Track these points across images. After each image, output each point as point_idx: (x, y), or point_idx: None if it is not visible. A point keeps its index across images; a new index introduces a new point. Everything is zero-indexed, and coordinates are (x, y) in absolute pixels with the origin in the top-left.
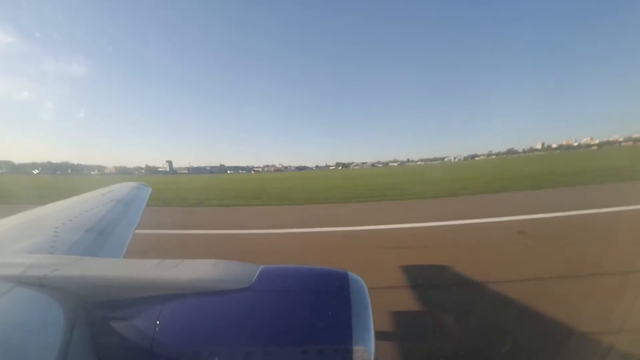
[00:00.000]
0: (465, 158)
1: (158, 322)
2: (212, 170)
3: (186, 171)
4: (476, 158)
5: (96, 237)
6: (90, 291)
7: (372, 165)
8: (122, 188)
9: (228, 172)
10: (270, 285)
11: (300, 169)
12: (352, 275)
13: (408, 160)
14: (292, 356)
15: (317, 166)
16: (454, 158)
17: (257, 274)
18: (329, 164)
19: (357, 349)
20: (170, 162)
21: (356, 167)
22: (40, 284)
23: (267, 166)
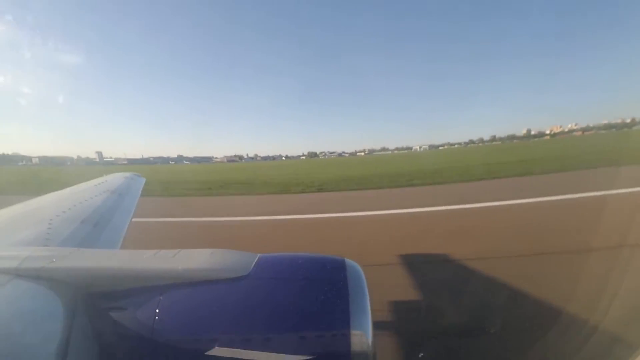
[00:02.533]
0: (430, 147)
1: (157, 311)
2: (156, 161)
3: (125, 162)
4: (440, 148)
5: (92, 229)
6: (88, 282)
7: (339, 155)
8: (116, 179)
9: (170, 162)
10: (268, 273)
11: (266, 159)
12: (349, 262)
13: (382, 149)
14: (291, 342)
15: (287, 156)
16: (420, 147)
17: (254, 262)
18: (300, 153)
19: (355, 334)
20: (100, 153)
21: (324, 157)
22: (38, 276)
23: (236, 156)
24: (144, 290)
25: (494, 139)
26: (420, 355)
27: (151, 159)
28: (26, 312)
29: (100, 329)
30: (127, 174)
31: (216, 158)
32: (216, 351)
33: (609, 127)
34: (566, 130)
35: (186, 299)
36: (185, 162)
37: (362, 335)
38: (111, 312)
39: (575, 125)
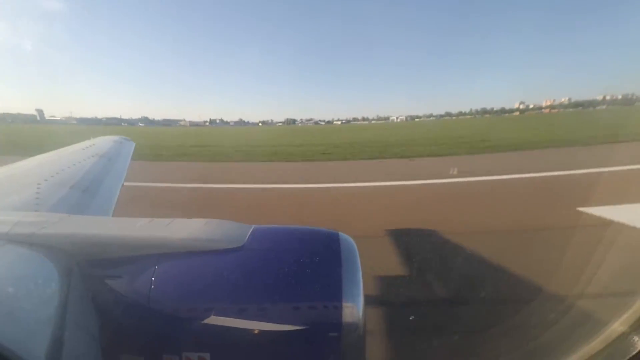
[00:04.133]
0: (407, 118)
1: (153, 279)
2: (109, 122)
3: (75, 122)
4: (416, 119)
5: (81, 194)
6: (81, 249)
7: (316, 123)
8: (104, 142)
9: (122, 124)
10: (262, 244)
11: (239, 123)
12: (343, 235)
13: (363, 119)
14: (284, 313)
15: (262, 122)
16: (397, 118)
17: (248, 233)
18: (278, 120)
19: (347, 306)
20: (40, 111)
21: (299, 125)
22: (30, 242)
23: (211, 120)
24: (139, 258)
25: (470, 112)
26: (411, 318)
27: (104, 119)
28: (21, 277)
29: (97, 296)
30: (116, 138)
31: (182, 122)
32: (212, 320)
33: (575, 105)
34: (545, 105)
35: (182, 268)
36: (140, 124)
37: (354, 307)
38: (107, 280)
39: (568, 99)
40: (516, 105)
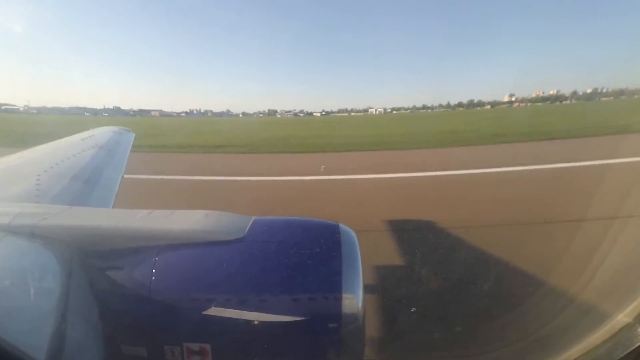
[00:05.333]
0: (385, 111)
1: (154, 271)
2: (69, 112)
3: (35, 111)
4: (394, 112)
5: (82, 186)
6: (83, 241)
7: (295, 114)
8: (103, 133)
9: (85, 114)
10: (263, 236)
11: (221, 115)
12: (343, 227)
13: (345, 110)
14: (284, 304)
15: (244, 113)
16: (375, 111)
17: (249, 225)
18: (259, 110)
19: (347, 297)
20: None
21: (278, 116)
22: (31, 233)
23: (191, 111)
24: (140, 250)
25: (448, 105)
26: (412, 310)
27: (66, 108)
28: (23, 268)
29: (98, 287)
30: (115, 128)
31: (152, 112)
32: (212, 311)
33: (543, 99)
34: (531, 96)
35: (182, 260)
36: (104, 114)
37: (354, 299)
38: (108, 271)
39: (556, 92)
40: (506, 98)
